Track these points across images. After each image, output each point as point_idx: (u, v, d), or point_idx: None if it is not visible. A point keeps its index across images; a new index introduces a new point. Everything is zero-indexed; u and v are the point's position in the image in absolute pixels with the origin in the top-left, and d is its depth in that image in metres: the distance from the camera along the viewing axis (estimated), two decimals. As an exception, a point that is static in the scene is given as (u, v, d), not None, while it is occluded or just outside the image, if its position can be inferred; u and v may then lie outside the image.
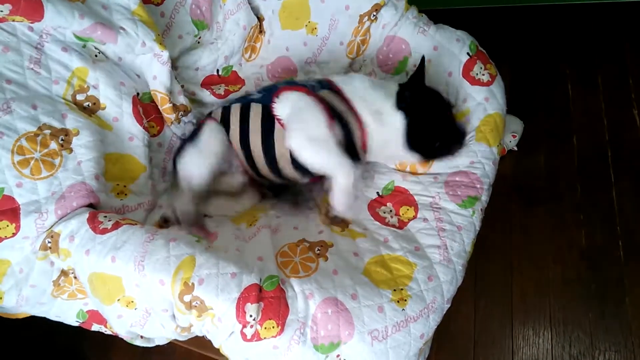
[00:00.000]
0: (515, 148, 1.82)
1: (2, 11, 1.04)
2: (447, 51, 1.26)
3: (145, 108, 1.27)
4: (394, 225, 1.15)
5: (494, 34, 2.17)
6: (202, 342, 1.53)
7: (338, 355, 0.95)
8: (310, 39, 1.40)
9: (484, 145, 1.19)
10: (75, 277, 1.06)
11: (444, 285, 1.05)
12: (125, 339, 1.10)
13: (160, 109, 1.30)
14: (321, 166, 1.12)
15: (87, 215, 1.01)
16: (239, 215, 1.24)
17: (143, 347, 1.58)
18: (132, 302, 0.97)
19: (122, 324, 1.02)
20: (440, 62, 1.26)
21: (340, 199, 1.11)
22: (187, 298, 0.91)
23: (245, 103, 1.21)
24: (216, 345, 0.98)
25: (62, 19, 1.10)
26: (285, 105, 1.15)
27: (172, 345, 1.58)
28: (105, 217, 1.02)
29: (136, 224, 1.01)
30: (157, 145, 1.31)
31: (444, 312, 1.06)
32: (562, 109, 1.92)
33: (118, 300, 0.97)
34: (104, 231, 0.98)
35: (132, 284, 0.94)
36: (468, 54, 1.24)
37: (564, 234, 1.65)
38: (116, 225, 0.99)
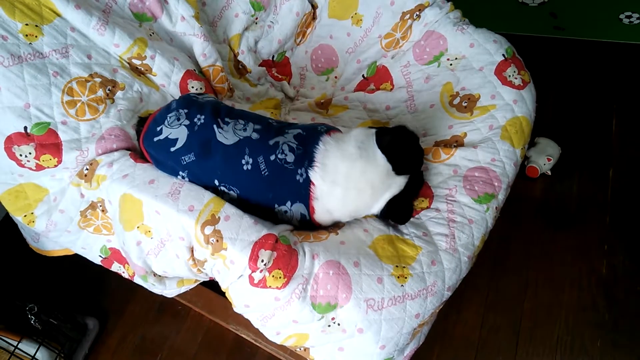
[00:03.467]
0: (549, 172, 1.81)
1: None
2: (482, 49, 1.29)
3: (204, 81, 1.36)
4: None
5: (546, 60, 2.18)
6: (212, 307, 1.60)
7: (333, 318, 0.98)
8: (354, 29, 1.47)
9: (508, 144, 1.20)
10: (102, 211, 1.14)
11: (447, 272, 1.06)
12: (138, 274, 1.16)
13: (212, 83, 1.39)
14: None
15: (129, 152, 1.11)
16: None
17: (158, 308, 1.67)
18: (149, 231, 1.04)
19: (140, 251, 1.08)
20: (474, 57, 1.30)
21: None
22: (208, 230, 0.97)
23: None
24: (224, 287, 1.03)
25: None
26: None
27: (185, 309, 1.65)
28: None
29: None
30: None
31: (444, 299, 1.07)
32: (603, 141, 1.90)
33: (137, 227, 1.05)
34: (145, 162, 1.08)
35: (152, 211, 1.01)
36: (503, 55, 1.27)
37: (585, 261, 1.62)
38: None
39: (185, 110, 1.09)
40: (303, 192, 1.04)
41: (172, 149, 1.06)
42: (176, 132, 1.07)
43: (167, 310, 1.68)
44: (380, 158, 1.05)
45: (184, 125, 1.07)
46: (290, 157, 1.04)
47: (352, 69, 1.48)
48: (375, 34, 1.44)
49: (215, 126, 1.06)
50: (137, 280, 1.20)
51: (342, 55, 1.51)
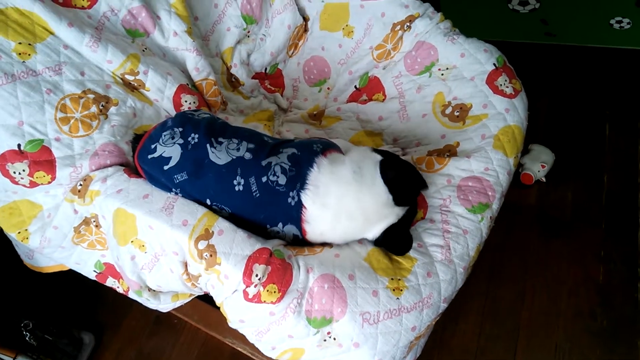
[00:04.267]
0: (544, 179, 1.81)
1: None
2: (473, 59, 1.30)
3: (197, 95, 1.37)
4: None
5: (538, 67, 2.19)
6: (208, 321, 1.60)
7: (329, 333, 0.98)
8: (345, 41, 1.48)
9: (501, 153, 1.20)
10: (96, 226, 1.14)
11: (443, 283, 1.06)
12: (132, 288, 1.15)
13: (205, 97, 1.39)
14: None
15: (123, 168, 1.12)
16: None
17: (154, 322, 1.66)
18: (143, 245, 1.04)
19: (134, 266, 1.08)
20: (465, 67, 1.30)
21: None
22: (202, 245, 0.97)
23: None
24: (218, 301, 1.03)
25: (117, -1, 1.22)
26: None
27: (181, 322, 1.65)
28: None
29: None
30: None
31: (440, 311, 1.07)
32: (597, 147, 1.91)
33: (132, 241, 1.05)
34: (139, 177, 1.09)
35: (146, 226, 1.01)
36: (494, 64, 1.28)
37: (582, 268, 1.62)
38: None
39: (180, 129, 1.09)
40: (295, 214, 1.03)
41: (166, 167, 1.06)
42: (170, 150, 1.07)
43: (164, 324, 1.68)
44: (379, 186, 1.04)
45: (178, 144, 1.07)
46: (282, 180, 1.03)
47: (344, 80, 1.48)
48: (366, 45, 1.44)
49: (208, 145, 1.06)
50: (132, 295, 1.19)
51: (334, 66, 1.52)
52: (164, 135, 1.09)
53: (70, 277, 1.39)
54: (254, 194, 1.03)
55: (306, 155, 1.07)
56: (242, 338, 1.54)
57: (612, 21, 2.23)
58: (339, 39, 1.48)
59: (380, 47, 1.43)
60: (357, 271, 1.02)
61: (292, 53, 1.60)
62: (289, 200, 1.02)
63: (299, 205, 1.02)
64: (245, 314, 0.99)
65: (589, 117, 2.01)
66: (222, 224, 1.00)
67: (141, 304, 1.67)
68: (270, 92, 1.59)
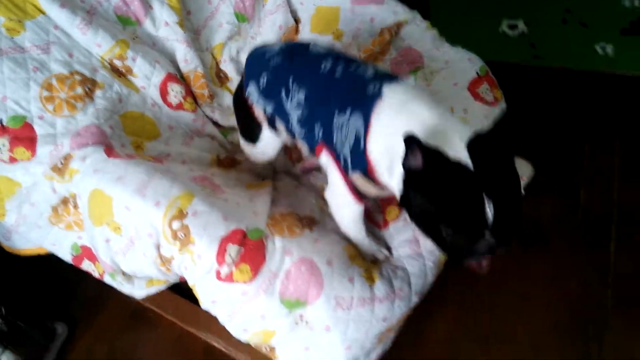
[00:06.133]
0: (523, 192, 1.83)
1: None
2: (457, 66, 1.33)
3: (184, 85, 1.38)
4: (377, 223, 1.20)
5: (525, 86, 2.23)
6: (184, 315, 1.59)
7: (301, 316, 0.99)
8: (335, 44, 1.50)
9: None
10: (74, 207, 1.14)
11: (412, 277, 1.08)
12: (107, 271, 1.15)
13: (192, 88, 1.41)
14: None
15: (104, 147, 1.12)
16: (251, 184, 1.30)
17: (129, 316, 1.65)
18: (119, 228, 1.04)
19: (109, 249, 1.09)
20: (449, 74, 1.33)
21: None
22: (175, 225, 0.98)
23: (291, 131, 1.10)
24: (191, 283, 1.03)
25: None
26: (326, 170, 1.06)
27: (157, 316, 1.64)
28: (121, 152, 1.12)
29: (149, 159, 1.11)
30: (192, 121, 1.39)
31: (412, 305, 1.08)
32: (575, 164, 1.94)
33: (107, 223, 1.05)
34: (118, 157, 1.09)
35: (122, 207, 1.02)
36: (477, 73, 1.31)
37: (555, 280, 1.63)
38: (131, 157, 1.10)
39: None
40: (369, 103, 0.91)
41: (267, 55, 1.09)
42: (278, 47, 1.11)
43: (139, 317, 1.66)
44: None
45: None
46: (370, 73, 0.98)
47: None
48: (354, 49, 1.47)
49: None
50: (106, 278, 1.19)
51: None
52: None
53: (47, 266, 1.39)
54: (337, 76, 0.99)
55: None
56: (217, 332, 1.55)
57: (597, 47, 2.29)
58: (329, 41, 1.51)
59: (367, 51, 1.46)
60: (335, 258, 1.03)
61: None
62: (370, 87, 0.94)
63: (378, 95, 0.92)
64: (217, 294, 0.99)
65: (569, 135, 2.04)
66: (197, 206, 1.00)
67: (117, 297, 1.67)
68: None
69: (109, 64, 1.26)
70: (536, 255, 1.70)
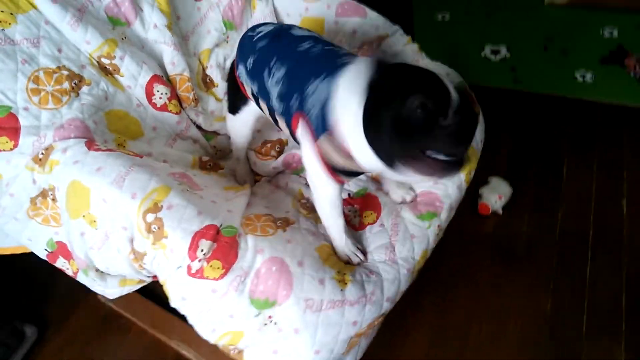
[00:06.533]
0: (500, 211, 1.87)
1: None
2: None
3: (170, 87, 1.40)
4: (353, 226, 1.21)
5: (505, 109, 2.29)
6: (156, 322, 1.58)
7: (270, 317, 0.99)
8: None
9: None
10: (53, 200, 1.13)
11: (385, 282, 1.08)
12: (80, 267, 1.15)
13: (178, 91, 1.43)
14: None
15: (85, 140, 1.12)
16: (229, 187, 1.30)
17: (101, 321, 1.63)
18: (95, 221, 1.05)
19: (83, 243, 1.08)
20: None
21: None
22: (150, 217, 0.98)
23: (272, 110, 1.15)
24: (162, 279, 1.03)
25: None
26: (302, 149, 1.07)
27: (129, 322, 1.63)
28: (103, 145, 1.13)
29: (129, 153, 1.12)
30: (176, 123, 1.41)
31: (383, 311, 1.09)
32: (554, 184, 1.99)
33: (83, 216, 1.05)
34: (98, 150, 1.09)
35: (99, 199, 1.02)
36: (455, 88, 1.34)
37: (532, 298, 1.66)
38: (110, 150, 1.10)
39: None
40: (339, 67, 0.98)
41: (255, 38, 1.18)
42: (267, 30, 1.19)
43: (110, 323, 1.66)
44: None
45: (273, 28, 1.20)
46: (345, 51, 1.08)
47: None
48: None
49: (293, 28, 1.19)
50: (80, 277, 1.18)
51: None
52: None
53: (20, 266, 1.37)
54: (315, 51, 1.08)
55: None
56: (188, 341, 1.54)
57: (577, 74, 2.37)
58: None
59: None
60: (306, 259, 1.04)
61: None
62: (344, 58, 1.02)
63: (349, 62, 0.99)
64: (187, 291, 0.99)
65: (548, 158, 2.09)
66: (172, 199, 1.01)
67: (90, 302, 1.67)
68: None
69: (97, 62, 1.27)
70: (512, 273, 1.73)
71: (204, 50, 1.53)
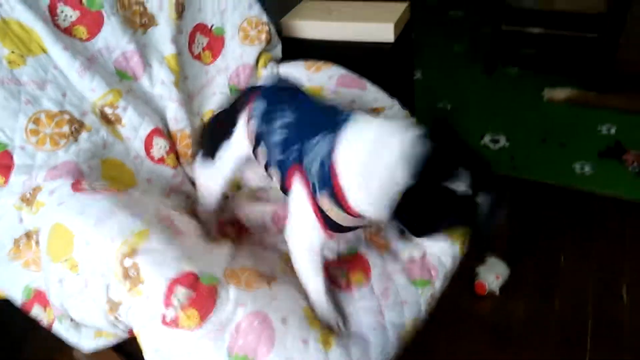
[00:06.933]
0: (497, 291, 1.82)
1: (71, 16, 1.26)
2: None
3: (169, 141, 1.42)
4: (339, 285, 1.16)
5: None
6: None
7: (248, 375, 0.92)
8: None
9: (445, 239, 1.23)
10: (36, 243, 1.10)
11: (372, 347, 1.03)
12: (55, 314, 1.10)
13: (177, 147, 1.44)
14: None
15: (72, 181, 1.11)
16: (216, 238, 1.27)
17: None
18: (76, 266, 1.00)
19: (61, 291, 1.03)
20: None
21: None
22: (127, 262, 0.94)
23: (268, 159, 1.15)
24: (136, 329, 0.97)
25: (114, 38, 1.33)
26: (293, 199, 1.06)
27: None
28: (89, 186, 1.11)
29: (117, 190, 1.10)
30: (172, 177, 1.41)
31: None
32: (552, 268, 1.95)
33: (65, 260, 1.00)
34: (84, 192, 1.07)
35: (83, 242, 0.99)
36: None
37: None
38: (95, 192, 1.08)
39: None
40: (339, 125, 0.99)
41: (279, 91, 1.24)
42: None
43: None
44: None
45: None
46: (342, 108, 1.09)
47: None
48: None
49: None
50: (55, 325, 1.13)
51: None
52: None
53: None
54: (316, 107, 1.13)
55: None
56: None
57: (576, 165, 2.39)
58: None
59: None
60: (291, 316, 0.99)
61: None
62: (343, 114, 1.03)
63: (347, 119, 1.00)
64: (161, 342, 0.93)
65: (545, 245, 2.06)
66: (152, 244, 0.97)
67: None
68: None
69: (100, 110, 1.29)
70: (509, 354, 1.64)
71: (207, 111, 1.56)
